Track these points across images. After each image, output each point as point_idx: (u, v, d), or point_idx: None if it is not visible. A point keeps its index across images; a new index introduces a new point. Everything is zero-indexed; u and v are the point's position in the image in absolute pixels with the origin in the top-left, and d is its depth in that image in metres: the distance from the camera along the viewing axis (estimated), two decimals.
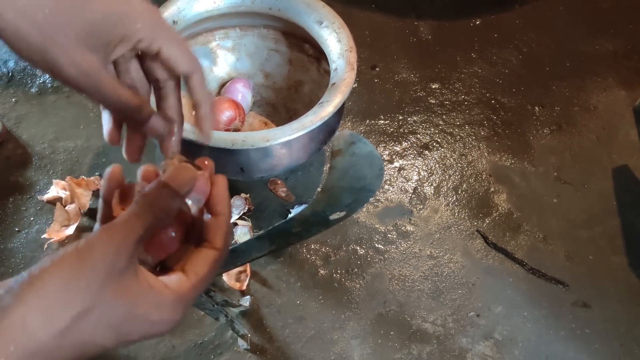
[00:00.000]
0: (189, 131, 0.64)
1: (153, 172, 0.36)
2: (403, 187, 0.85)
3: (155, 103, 0.40)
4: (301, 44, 0.83)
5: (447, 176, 0.87)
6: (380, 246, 0.79)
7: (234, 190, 0.81)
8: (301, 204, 0.81)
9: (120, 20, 0.33)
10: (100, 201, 0.36)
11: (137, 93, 0.37)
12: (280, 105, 0.88)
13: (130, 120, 0.37)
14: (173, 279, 0.33)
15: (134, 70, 0.37)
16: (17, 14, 0.30)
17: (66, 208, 0.78)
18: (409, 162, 0.88)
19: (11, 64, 0.95)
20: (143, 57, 0.37)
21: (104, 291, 0.29)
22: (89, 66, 0.32)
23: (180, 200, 0.33)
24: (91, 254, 0.29)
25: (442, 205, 0.84)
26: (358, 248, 0.79)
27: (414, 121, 0.93)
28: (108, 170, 0.35)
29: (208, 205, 0.37)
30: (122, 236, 0.30)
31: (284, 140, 0.65)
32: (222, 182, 0.37)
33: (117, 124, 0.38)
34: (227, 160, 0.69)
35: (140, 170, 0.36)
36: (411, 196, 0.84)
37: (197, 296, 0.34)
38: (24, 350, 0.27)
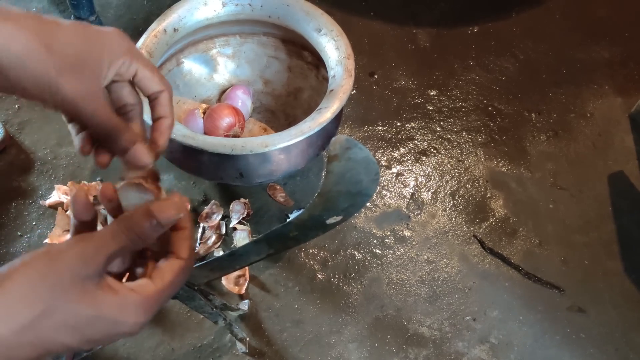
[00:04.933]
0: (188, 136, 0.65)
1: (112, 189, 0.39)
2: (401, 193, 0.86)
3: None
4: (300, 52, 0.85)
5: (444, 182, 0.88)
6: (377, 251, 0.80)
7: (233, 195, 0.82)
8: (300, 209, 0.82)
9: (106, 51, 0.37)
10: (72, 220, 0.37)
11: (125, 121, 0.40)
12: (280, 111, 0.89)
13: (110, 144, 0.39)
14: (139, 283, 0.35)
15: (113, 96, 0.40)
16: (23, 51, 0.33)
17: (68, 213, 0.79)
18: (407, 168, 0.89)
19: None
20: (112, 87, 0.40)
21: (68, 295, 0.31)
22: (86, 89, 0.36)
23: (161, 230, 0.35)
24: (61, 260, 0.31)
25: (440, 211, 0.84)
26: (356, 253, 0.79)
27: (412, 127, 0.94)
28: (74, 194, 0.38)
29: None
30: (93, 250, 0.32)
31: (282, 146, 0.66)
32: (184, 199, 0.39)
33: (90, 138, 0.40)
34: (226, 165, 0.70)
35: (99, 189, 0.39)
36: (409, 201, 0.85)
37: (163, 302, 0.35)
38: None
